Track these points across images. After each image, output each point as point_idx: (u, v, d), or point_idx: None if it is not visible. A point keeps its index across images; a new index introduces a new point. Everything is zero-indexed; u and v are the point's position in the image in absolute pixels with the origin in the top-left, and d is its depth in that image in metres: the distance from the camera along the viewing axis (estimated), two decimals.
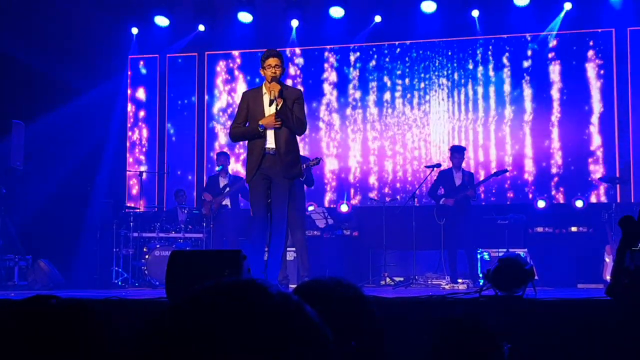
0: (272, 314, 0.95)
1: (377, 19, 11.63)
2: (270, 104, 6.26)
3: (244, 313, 0.94)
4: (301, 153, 6.87)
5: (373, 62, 12.14)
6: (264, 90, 6.32)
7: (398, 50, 12.07)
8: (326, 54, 12.30)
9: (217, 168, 10.61)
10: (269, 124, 6.21)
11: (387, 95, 12.04)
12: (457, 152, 10.05)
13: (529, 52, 11.60)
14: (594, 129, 11.26)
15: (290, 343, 0.94)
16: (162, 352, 0.93)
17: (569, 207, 10.77)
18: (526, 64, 11.59)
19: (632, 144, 11.10)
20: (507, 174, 10.82)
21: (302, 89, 7.19)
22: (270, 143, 6.28)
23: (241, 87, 12.52)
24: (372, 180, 11.96)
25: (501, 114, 11.60)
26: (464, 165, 10.25)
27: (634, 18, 11.17)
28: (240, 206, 10.50)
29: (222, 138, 12.50)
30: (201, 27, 12.06)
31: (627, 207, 10.22)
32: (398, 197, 11.33)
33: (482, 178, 10.89)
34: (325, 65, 12.29)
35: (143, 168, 12.33)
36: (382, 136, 11.99)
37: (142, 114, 12.90)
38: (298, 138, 6.49)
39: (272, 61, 6.28)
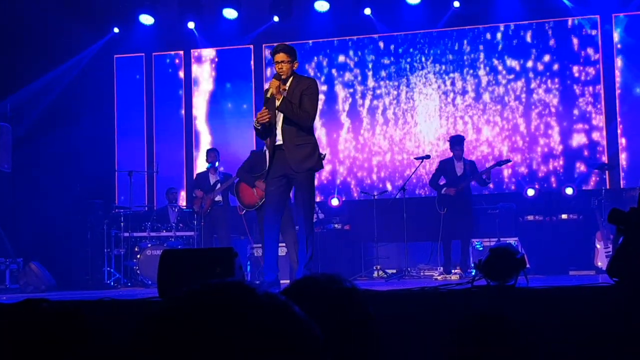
0: (259, 315, 0.95)
1: (367, 11, 11.62)
2: (266, 102, 6.28)
3: (231, 315, 0.94)
4: None
5: (359, 55, 12.13)
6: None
7: (382, 42, 12.06)
8: (311, 48, 12.29)
9: (206, 166, 10.59)
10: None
11: (373, 88, 12.02)
12: (456, 143, 9.89)
13: (515, 41, 11.62)
14: (582, 115, 11.29)
15: (277, 344, 0.93)
16: (149, 356, 0.93)
17: (559, 195, 10.80)
18: (513, 53, 11.61)
19: (619, 129, 11.14)
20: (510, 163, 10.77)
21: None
22: (279, 139, 6.27)
23: (229, 82, 12.52)
24: (362, 173, 11.96)
25: (489, 104, 11.62)
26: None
27: (618, 4, 11.21)
28: (231, 203, 10.48)
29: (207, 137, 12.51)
30: (191, 25, 12.04)
31: (616, 193, 10.28)
32: (393, 191, 11.33)
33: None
34: (314, 59, 12.28)
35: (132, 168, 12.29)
36: (370, 128, 11.98)
37: (129, 112, 12.86)
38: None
39: (278, 57, 6.28)
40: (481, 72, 11.69)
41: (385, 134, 11.92)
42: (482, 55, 11.71)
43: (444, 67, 11.84)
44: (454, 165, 9.93)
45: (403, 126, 11.88)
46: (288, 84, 6.29)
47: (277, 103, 6.19)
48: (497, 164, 10.16)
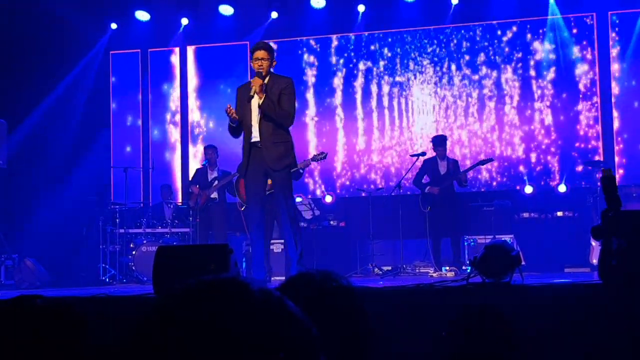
0: (253, 312, 0.94)
1: (361, 8, 11.63)
2: (249, 100, 6.25)
3: (225, 312, 0.93)
4: None
5: (354, 52, 12.12)
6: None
7: (380, 39, 12.05)
8: (307, 44, 12.27)
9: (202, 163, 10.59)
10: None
11: (369, 84, 12.01)
12: (438, 144, 9.92)
13: (512, 39, 11.61)
14: (578, 112, 11.30)
15: (272, 341, 0.93)
16: (144, 354, 0.92)
17: (554, 192, 10.81)
18: (509, 50, 11.60)
19: (614, 127, 11.15)
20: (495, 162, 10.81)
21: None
22: (256, 136, 6.27)
23: (225, 79, 12.50)
24: (357, 169, 11.95)
25: (486, 101, 11.61)
26: (449, 153, 10.25)
27: (614, 2, 11.21)
28: (227, 200, 10.48)
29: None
30: (185, 21, 12.05)
31: None
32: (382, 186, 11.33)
33: (467, 166, 10.87)
34: (307, 56, 12.25)
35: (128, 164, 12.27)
36: (366, 125, 11.97)
37: (125, 109, 12.84)
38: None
39: (258, 54, 6.26)
40: (479, 69, 11.68)
41: (380, 130, 11.90)
42: (479, 54, 11.70)
43: (441, 64, 11.83)
44: (438, 164, 9.95)
45: (398, 122, 11.86)
46: (265, 82, 6.30)
47: (260, 101, 6.19)
48: (480, 162, 10.15)
